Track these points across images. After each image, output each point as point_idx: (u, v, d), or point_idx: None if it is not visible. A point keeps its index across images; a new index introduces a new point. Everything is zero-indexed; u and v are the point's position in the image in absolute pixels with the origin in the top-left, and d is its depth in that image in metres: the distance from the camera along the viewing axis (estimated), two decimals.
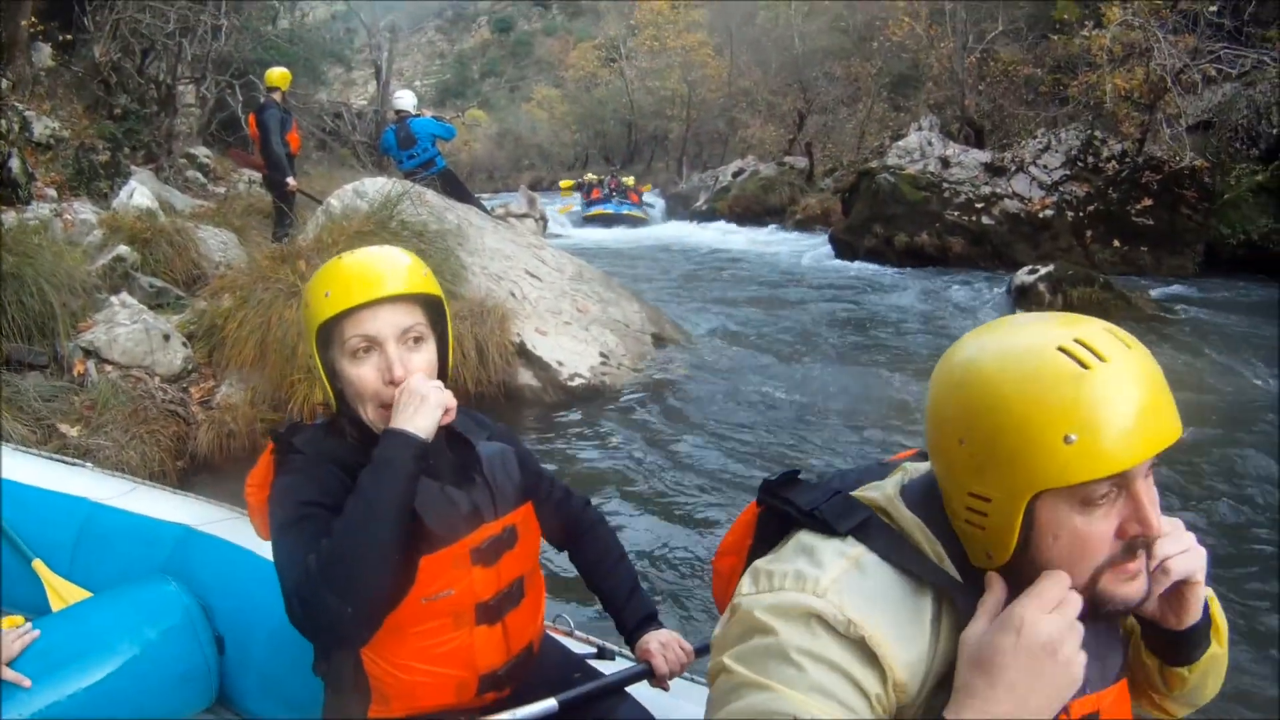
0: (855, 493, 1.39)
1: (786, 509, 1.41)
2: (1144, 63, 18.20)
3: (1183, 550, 1.29)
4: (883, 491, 1.37)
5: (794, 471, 1.51)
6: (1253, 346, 11.11)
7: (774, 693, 1.18)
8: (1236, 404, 8.79)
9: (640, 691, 2.27)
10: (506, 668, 2.14)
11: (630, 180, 35.23)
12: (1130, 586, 1.23)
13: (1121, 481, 1.17)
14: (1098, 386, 1.12)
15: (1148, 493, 1.20)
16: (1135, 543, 1.20)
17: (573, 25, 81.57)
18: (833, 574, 1.25)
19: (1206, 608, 1.38)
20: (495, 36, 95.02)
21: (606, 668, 2.38)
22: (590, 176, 35.72)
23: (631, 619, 2.32)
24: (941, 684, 1.22)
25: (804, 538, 1.35)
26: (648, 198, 35.44)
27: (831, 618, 1.20)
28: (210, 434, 6.85)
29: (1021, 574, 1.23)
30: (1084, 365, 1.13)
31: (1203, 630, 1.38)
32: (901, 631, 1.22)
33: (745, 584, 1.33)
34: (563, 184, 38.44)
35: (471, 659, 2.06)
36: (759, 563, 1.35)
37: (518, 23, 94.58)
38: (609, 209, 31.63)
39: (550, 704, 2.01)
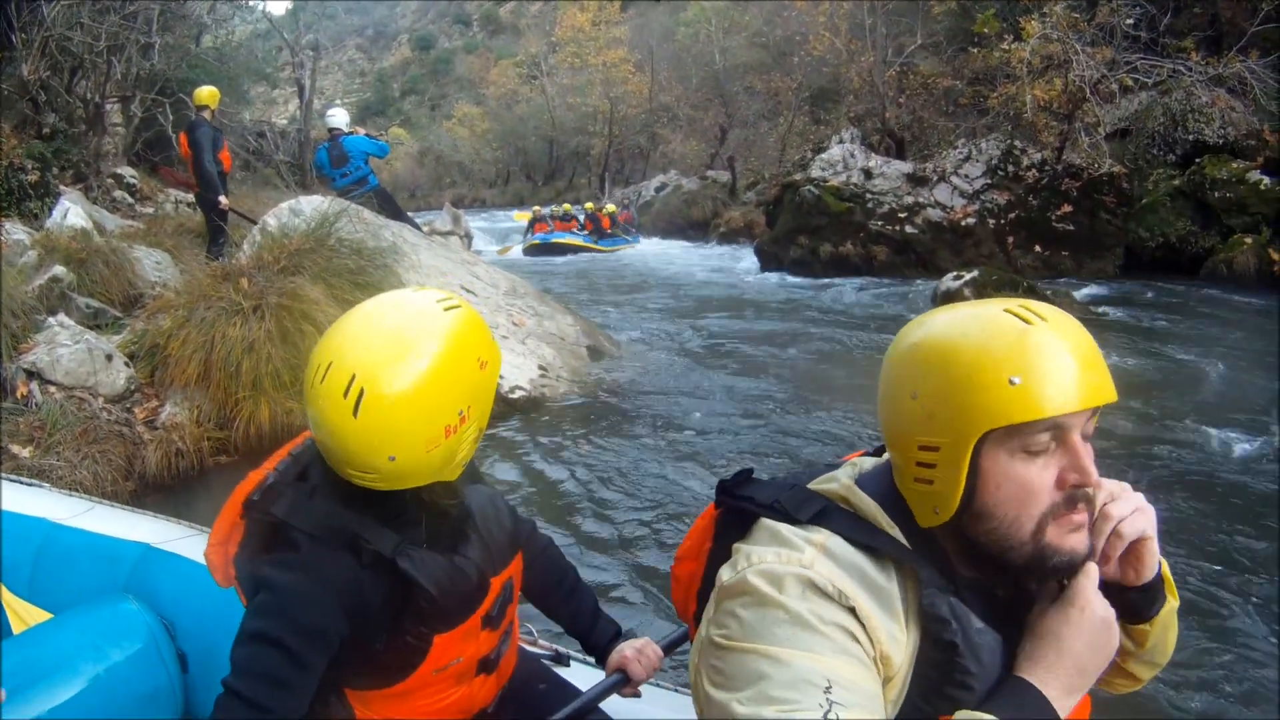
0: (812, 484, 1.43)
1: (746, 505, 1.43)
2: (1062, 74, 18.60)
3: (1133, 510, 1.34)
4: (839, 481, 1.41)
5: (748, 470, 1.52)
6: (1173, 340, 11.54)
7: (798, 660, 1.18)
8: (1162, 389, 9.17)
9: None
10: (496, 702, 2.16)
11: (612, 208, 32.23)
12: (1075, 538, 1.27)
13: (1060, 434, 1.23)
14: (1040, 337, 1.22)
15: (1085, 447, 1.25)
16: (1076, 494, 1.26)
17: (493, 43, 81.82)
18: (809, 554, 1.28)
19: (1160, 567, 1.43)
20: (416, 54, 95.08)
21: (563, 672, 2.45)
22: (565, 208, 31.84)
23: (602, 638, 2.28)
24: (916, 685, 1.27)
25: (770, 525, 1.37)
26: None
27: (824, 586, 1.23)
28: (158, 453, 6.75)
29: (966, 530, 1.29)
30: (1027, 321, 1.23)
31: (1159, 584, 1.42)
32: (879, 609, 1.25)
33: (725, 572, 1.33)
34: (517, 215, 36.10)
35: (470, 705, 2.07)
36: (738, 548, 1.36)
37: (438, 40, 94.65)
38: (539, 239, 29.19)
39: None
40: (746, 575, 1.28)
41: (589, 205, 32.61)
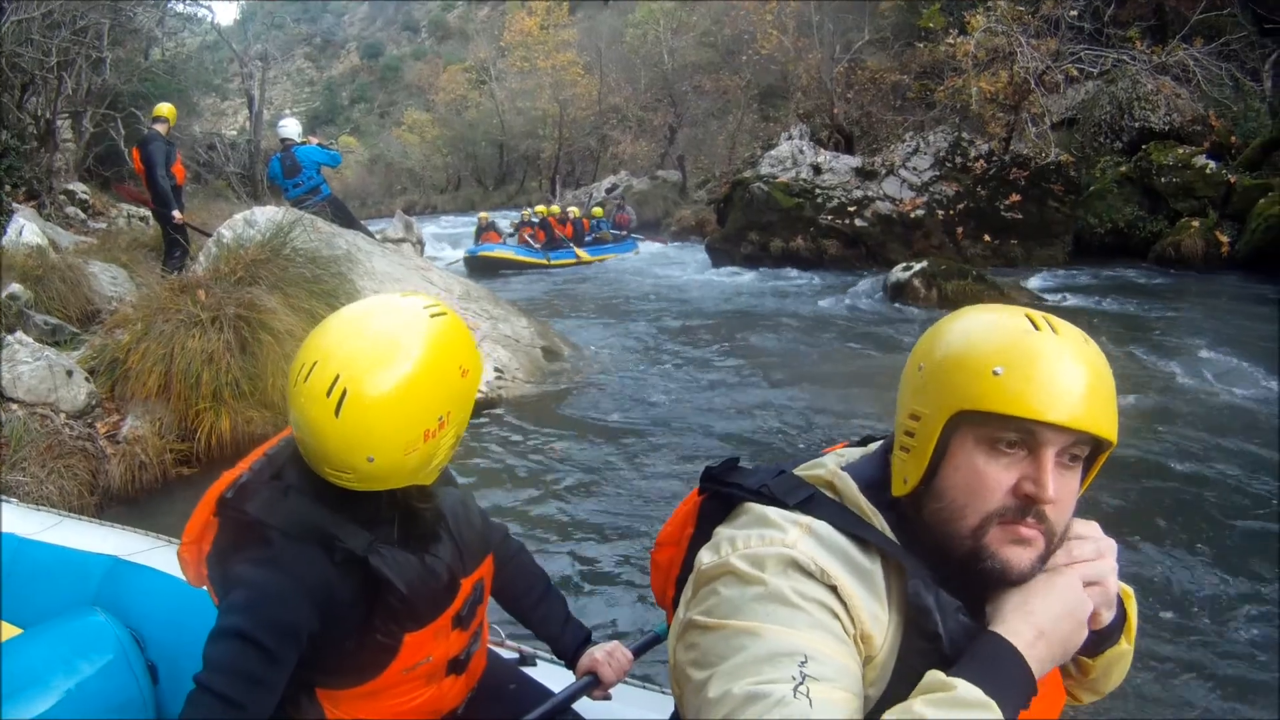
0: (798, 470, 1.45)
1: (732, 491, 1.44)
2: (1008, 66, 18.88)
3: (1096, 555, 1.33)
4: (826, 468, 1.43)
5: (734, 459, 1.53)
6: (1124, 325, 11.69)
7: (775, 635, 1.18)
8: (1123, 375, 9.01)
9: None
10: (465, 703, 2.18)
11: (599, 212, 28.32)
12: (1016, 551, 1.26)
13: (1032, 442, 1.23)
14: (1039, 344, 1.24)
15: (1057, 471, 1.24)
16: (1028, 505, 1.24)
17: (442, 48, 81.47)
18: (794, 534, 1.29)
19: (1123, 606, 1.42)
20: (364, 62, 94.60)
21: (531, 673, 2.47)
22: (540, 209, 27.12)
23: (573, 641, 2.30)
24: (899, 674, 1.25)
25: (756, 508, 1.37)
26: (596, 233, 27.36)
27: (806, 565, 1.24)
28: (121, 467, 6.75)
29: (924, 508, 1.31)
30: (1037, 327, 1.26)
31: (1113, 628, 1.40)
32: (862, 590, 1.26)
33: (706, 555, 1.34)
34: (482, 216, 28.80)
35: (439, 705, 2.08)
36: (719, 531, 1.38)
37: (387, 48, 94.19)
38: (470, 252, 24.46)
39: None
40: (730, 559, 1.28)
41: (539, 209, 27.15)
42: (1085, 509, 1.35)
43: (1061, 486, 1.25)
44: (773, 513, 1.34)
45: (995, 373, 1.22)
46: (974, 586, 1.29)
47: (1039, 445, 1.23)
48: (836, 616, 1.21)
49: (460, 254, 25.63)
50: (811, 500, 1.36)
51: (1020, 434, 1.23)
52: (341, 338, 1.72)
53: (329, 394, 1.65)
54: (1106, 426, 1.24)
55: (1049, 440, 1.22)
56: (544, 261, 24.18)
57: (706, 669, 1.21)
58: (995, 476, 1.25)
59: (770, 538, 1.29)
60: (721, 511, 1.45)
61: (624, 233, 27.57)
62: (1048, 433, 1.22)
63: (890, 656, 1.25)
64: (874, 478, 1.40)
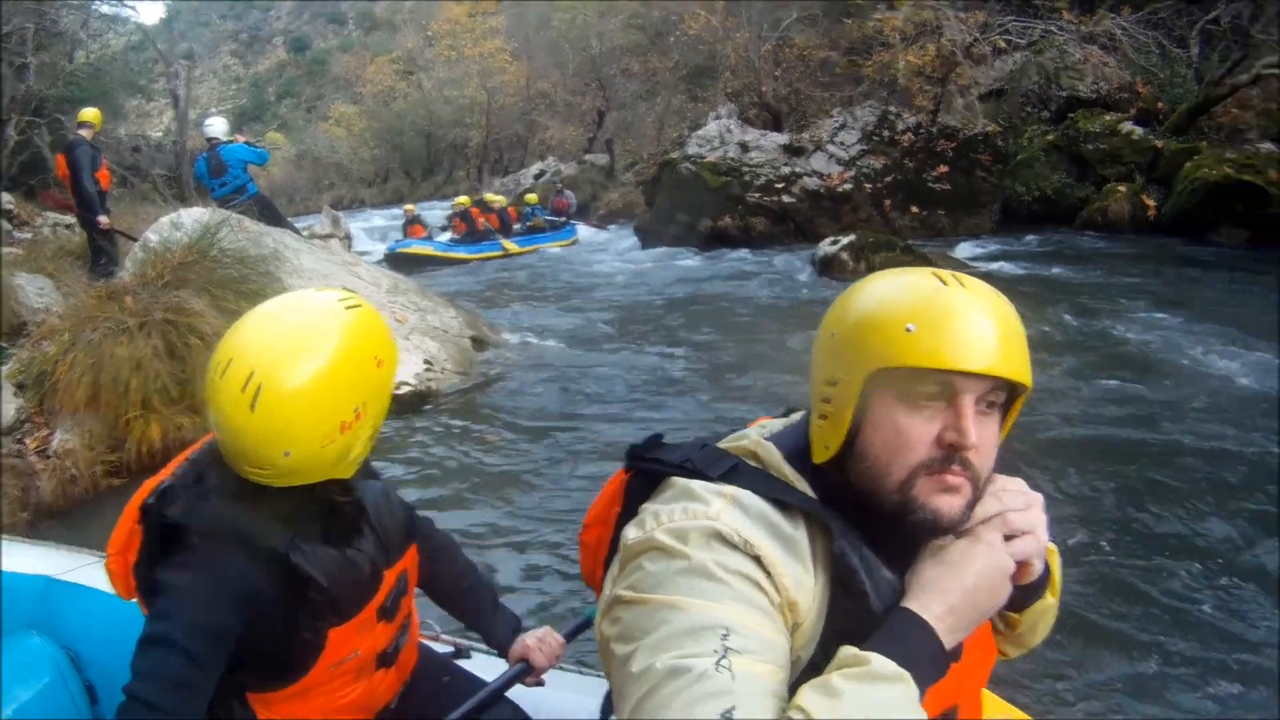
0: (722, 443, 1.45)
1: (657, 467, 1.43)
2: (935, 39, 19.07)
3: (1026, 505, 1.34)
4: (749, 438, 1.43)
5: (658, 435, 1.52)
6: (1052, 288, 11.99)
7: (698, 609, 1.17)
8: (1040, 339, 9.17)
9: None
10: (398, 698, 2.19)
11: (533, 197, 26.36)
12: (944, 499, 1.26)
13: (950, 393, 1.24)
14: (948, 298, 1.24)
15: (971, 412, 1.24)
16: (952, 454, 1.25)
17: (369, 40, 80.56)
18: (717, 506, 1.28)
19: (1047, 562, 1.45)
20: (291, 57, 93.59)
21: (466, 665, 2.47)
22: (462, 200, 25.05)
23: (504, 629, 2.33)
24: (828, 633, 1.25)
25: (680, 482, 1.36)
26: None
27: (730, 536, 1.23)
28: (53, 482, 6.70)
29: (849, 470, 1.32)
30: (944, 283, 1.27)
31: (1040, 583, 1.43)
32: (787, 556, 1.25)
33: (631, 531, 1.33)
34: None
35: (370, 701, 2.08)
36: (644, 507, 1.36)
37: (313, 41, 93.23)
38: (391, 248, 22.76)
39: None
40: (654, 534, 1.27)
41: (460, 200, 25.07)
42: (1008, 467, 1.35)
43: (982, 432, 1.26)
44: (697, 485, 1.33)
45: (908, 329, 1.22)
46: (905, 540, 1.30)
47: (956, 394, 1.24)
48: (760, 588, 1.21)
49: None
50: (735, 470, 1.35)
51: (938, 385, 1.24)
52: (256, 333, 1.73)
53: (244, 389, 1.66)
54: (1020, 370, 1.25)
55: (966, 388, 1.24)
56: (462, 256, 22.16)
57: (630, 643, 1.20)
58: (917, 430, 1.25)
59: (694, 510, 1.28)
60: (647, 488, 1.44)
61: (563, 219, 25.69)
62: (964, 381, 1.23)
63: (819, 618, 1.26)
64: (797, 446, 1.40)
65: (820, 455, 1.34)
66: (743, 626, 1.15)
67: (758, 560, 1.22)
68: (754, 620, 1.17)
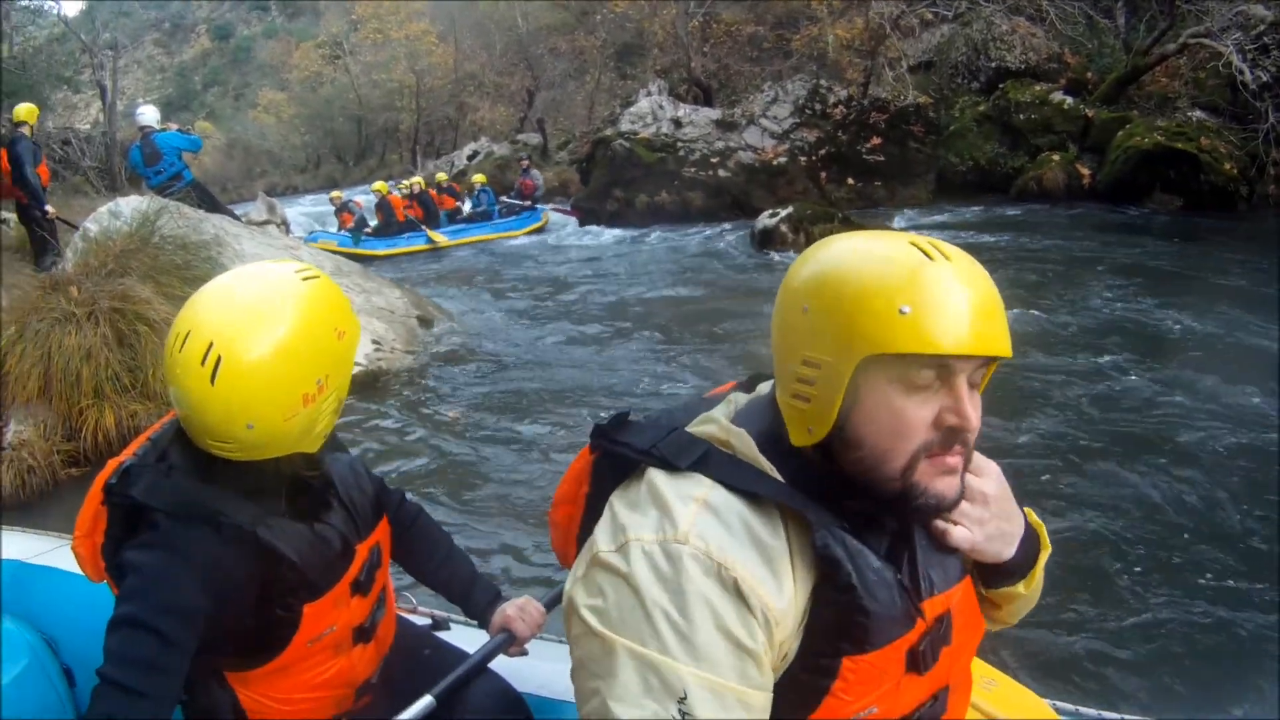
0: (690, 427, 1.39)
1: (623, 451, 1.37)
2: (863, 12, 19.26)
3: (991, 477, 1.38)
4: (717, 423, 1.37)
5: (624, 413, 1.47)
6: (991, 255, 12.04)
7: (655, 666, 1.13)
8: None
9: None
10: (379, 672, 2.16)
11: (481, 178, 23.38)
12: (945, 481, 1.25)
13: (945, 375, 1.21)
14: (938, 273, 1.18)
15: (970, 395, 1.23)
16: (952, 435, 1.23)
17: (293, 26, 79.65)
18: (687, 520, 1.21)
19: (1037, 540, 1.50)
20: (215, 44, 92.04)
21: (446, 636, 2.47)
22: (379, 186, 22.15)
23: (483, 600, 2.29)
24: (811, 628, 1.24)
25: (651, 477, 1.30)
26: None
27: (702, 561, 1.17)
28: (10, 473, 6.71)
29: (836, 455, 1.27)
30: (929, 256, 1.19)
31: (1009, 568, 1.44)
32: (768, 570, 1.21)
33: (601, 536, 1.27)
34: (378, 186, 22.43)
35: (351, 677, 2.07)
36: (614, 505, 1.31)
37: (237, 28, 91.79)
38: (309, 239, 18.86)
39: (428, 701, 1.98)
40: (621, 560, 1.21)
41: (377, 186, 22.14)
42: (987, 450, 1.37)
43: (976, 408, 1.25)
44: (666, 488, 1.26)
45: (902, 312, 1.16)
46: (900, 520, 1.31)
47: (952, 375, 1.21)
48: (736, 620, 1.15)
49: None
50: (705, 460, 1.29)
51: (933, 369, 1.20)
52: (213, 306, 1.72)
53: (203, 362, 1.64)
54: (1007, 344, 1.22)
55: (961, 369, 1.21)
56: (377, 253, 19.19)
57: (593, 678, 1.18)
58: (915, 414, 1.22)
59: (665, 531, 1.20)
60: (614, 470, 1.39)
61: (528, 202, 22.40)
62: (960, 363, 1.20)
63: (801, 615, 1.23)
64: (768, 429, 1.34)
65: (801, 439, 1.29)
66: (701, 688, 1.12)
67: (735, 585, 1.17)
68: (719, 674, 1.13)
